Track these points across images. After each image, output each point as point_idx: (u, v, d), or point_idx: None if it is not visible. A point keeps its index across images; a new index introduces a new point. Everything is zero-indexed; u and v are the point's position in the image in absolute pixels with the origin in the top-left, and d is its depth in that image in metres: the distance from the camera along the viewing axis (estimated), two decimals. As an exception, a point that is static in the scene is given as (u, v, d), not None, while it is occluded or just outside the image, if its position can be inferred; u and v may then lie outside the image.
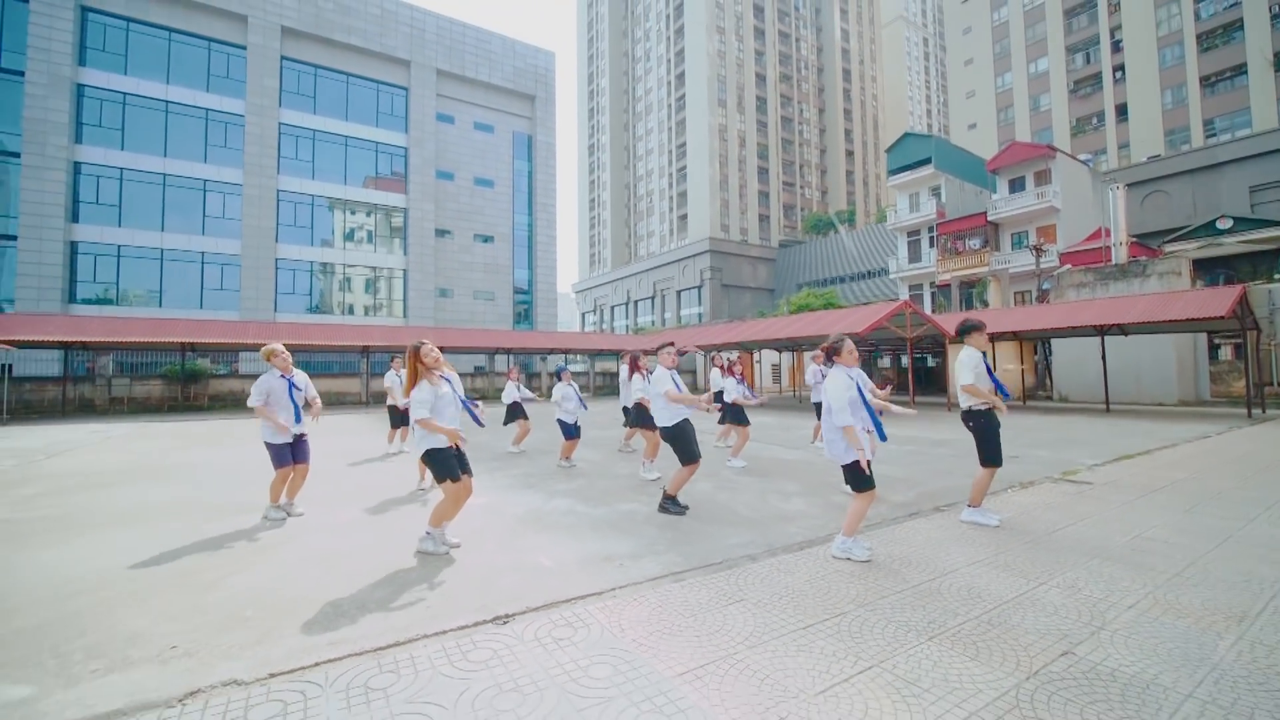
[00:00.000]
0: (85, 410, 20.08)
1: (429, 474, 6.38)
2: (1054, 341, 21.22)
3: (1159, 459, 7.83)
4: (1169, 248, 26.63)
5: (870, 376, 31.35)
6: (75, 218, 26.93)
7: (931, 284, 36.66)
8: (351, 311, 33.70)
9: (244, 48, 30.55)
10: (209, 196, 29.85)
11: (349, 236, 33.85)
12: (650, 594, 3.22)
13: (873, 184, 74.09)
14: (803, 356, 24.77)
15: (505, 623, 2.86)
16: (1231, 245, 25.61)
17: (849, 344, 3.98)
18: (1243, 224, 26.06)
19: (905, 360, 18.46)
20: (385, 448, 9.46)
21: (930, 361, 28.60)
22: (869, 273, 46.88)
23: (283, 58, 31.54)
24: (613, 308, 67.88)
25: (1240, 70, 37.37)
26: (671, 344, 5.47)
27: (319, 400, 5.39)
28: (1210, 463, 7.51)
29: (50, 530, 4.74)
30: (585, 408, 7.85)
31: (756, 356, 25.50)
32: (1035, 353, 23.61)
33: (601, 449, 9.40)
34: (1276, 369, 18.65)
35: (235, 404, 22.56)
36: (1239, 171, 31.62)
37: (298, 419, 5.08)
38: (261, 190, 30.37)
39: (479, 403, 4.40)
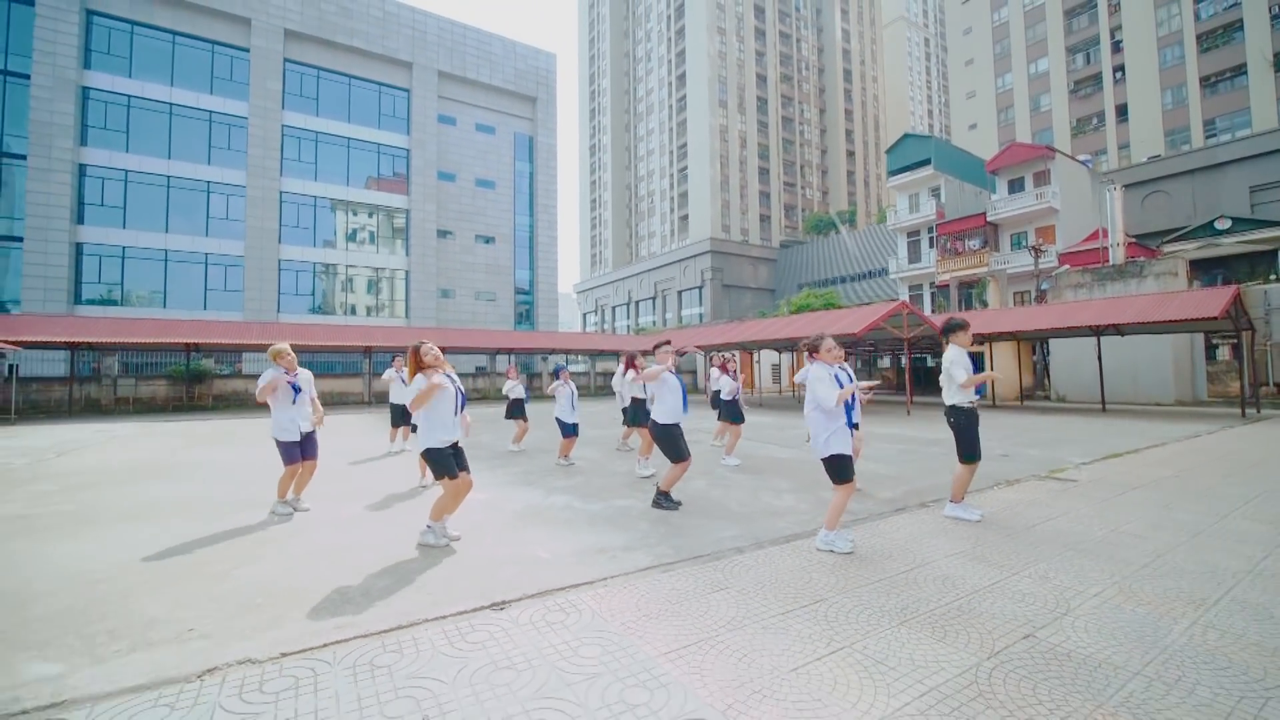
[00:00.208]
0: (91, 410, 20.30)
1: (430, 471, 6.56)
2: (1052, 342, 21.34)
3: (1147, 457, 7.98)
4: (1167, 248, 26.73)
5: (870, 377, 31.45)
6: (80, 219, 27.19)
7: (931, 284, 36.78)
8: (354, 312, 33.92)
9: (247, 50, 30.79)
10: (212, 198, 30.10)
11: (351, 237, 34.08)
12: (640, 583, 3.39)
13: (874, 184, 74.17)
14: (802, 356, 24.91)
15: (502, 609, 3.03)
16: (1230, 246, 25.70)
17: (829, 342, 4.15)
18: (1241, 224, 26.15)
19: (903, 361, 18.58)
20: (387, 446, 9.64)
21: (930, 362, 28.71)
22: (869, 273, 46.99)
23: (285, 60, 31.78)
24: (614, 308, 68.06)
25: (1240, 70, 37.42)
26: (668, 342, 5.64)
27: (320, 409, 5.53)
28: (1196, 461, 7.65)
29: (65, 525, 4.92)
30: (574, 408, 7.98)
31: (756, 357, 25.65)
32: (1034, 353, 23.73)
33: (600, 447, 9.57)
34: (1272, 369, 18.76)
35: (239, 404, 22.78)
36: (1239, 172, 31.69)
37: (301, 414, 5.26)
38: (264, 192, 30.61)
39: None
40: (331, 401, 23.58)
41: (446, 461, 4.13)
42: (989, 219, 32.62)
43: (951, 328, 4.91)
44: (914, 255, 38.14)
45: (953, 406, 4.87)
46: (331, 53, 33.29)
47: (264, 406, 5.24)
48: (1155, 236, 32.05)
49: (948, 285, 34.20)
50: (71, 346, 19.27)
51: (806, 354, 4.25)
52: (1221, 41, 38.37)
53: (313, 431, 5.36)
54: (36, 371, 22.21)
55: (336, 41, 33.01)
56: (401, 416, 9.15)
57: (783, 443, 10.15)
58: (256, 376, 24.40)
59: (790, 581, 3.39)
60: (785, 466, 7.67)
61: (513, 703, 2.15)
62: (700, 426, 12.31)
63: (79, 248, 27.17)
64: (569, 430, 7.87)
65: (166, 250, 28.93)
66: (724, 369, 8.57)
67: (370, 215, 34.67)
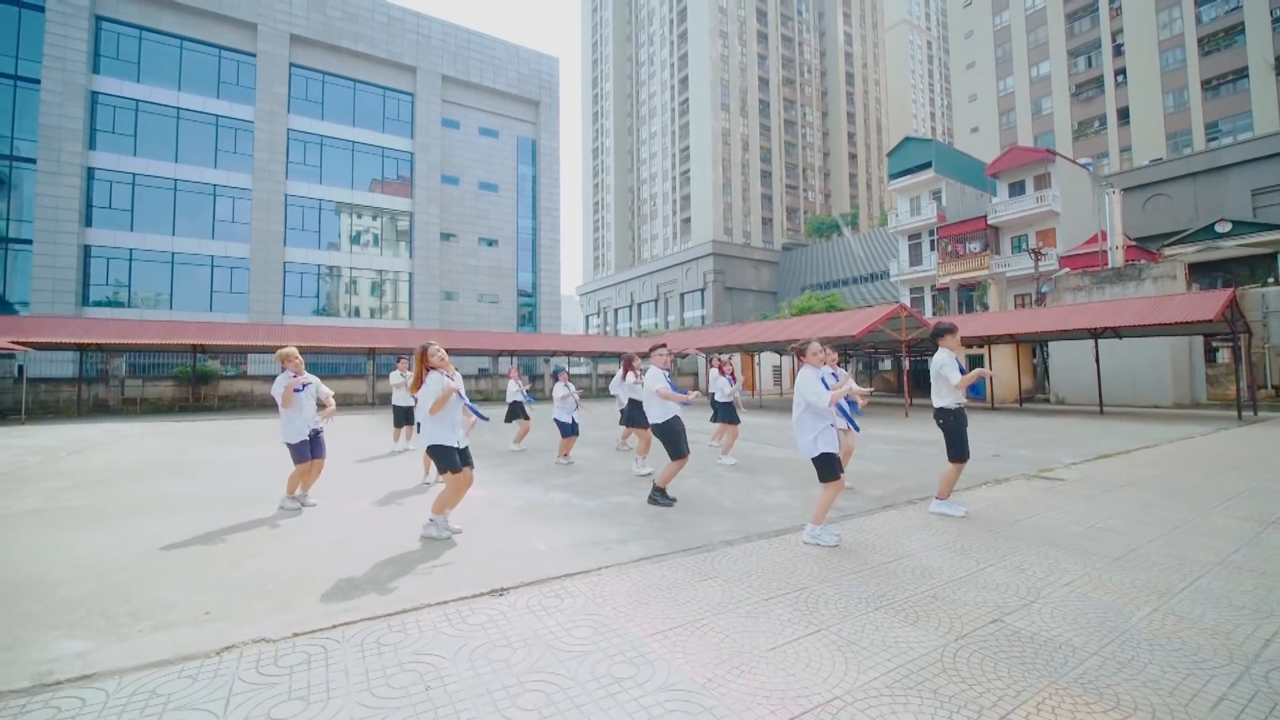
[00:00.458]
0: (99, 410, 20.57)
1: (433, 468, 6.74)
2: (1051, 345, 21.43)
3: (1136, 458, 8.11)
4: (1167, 251, 26.78)
5: (870, 380, 31.58)
6: (88, 222, 27.53)
7: (932, 287, 36.87)
8: (358, 314, 34.20)
9: (254, 55, 31.15)
10: (219, 201, 30.43)
11: (355, 240, 34.38)
12: (632, 572, 3.55)
13: (876, 187, 74.30)
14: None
15: (500, 595, 3.20)
16: (1230, 249, 25.74)
17: (814, 345, 4.32)
18: (1242, 227, 26.18)
19: (903, 363, 18.73)
20: (391, 445, 9.83)
21: (930, 365, 28.80)
22: (871, 275, 47.10)
23: (291, 65, 32.12)
24: (616, 310, 68.29)
25: (1242, 73, 37.46)
26: (664, 345, 5.82)
27: (332, 401, 5.75)
28: (1184, 461, 7.78)
29: (81, 518, 5.12)
30: (576, 406, 8.18)
31: (757, 359, 25.80)
32: (1033, 356, 23.83)
33: (599, 447, 9.75)
34: (1270, 372, 18.82)
35: (245, 405, 23.03)
36: (1241, 175, 31.72)
37: (309, 415, 5.46)
38: (270, 195, 30.92)
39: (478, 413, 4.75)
40: (336, 403, 23.79)
41: (450, 456, 4.31)
42: (990, 222, 32.72)
43: (940, 331, 5.07)
44: (915, 258, 38.25)
45: (941, 409, 5.02)
46: (337, 57, 33.63)
47: (270, 407, 5.44)
48: (1157, 239, 32.08)
49: (948, 288, 34.32)
50: (80, 348, 19.55)
51: (795, 356, 4.42)
52: (1223, 45, 38.43)
53: (320, 431, 5.55)
54: (45, 372, 22.48)
55: (342, 46, 33.36)
56: (404, 417, 9.34)
57: (780, 443, 10.30)
58: (262, 378, 24.68)
59: (775, 571, 3.55)
60: (780, 466, 7.82)
61: (509, 676, 2.32)
62: (698, 428, 12.48)
63: (87, 250, 27.51)
64: (568, 430, 8.04)
65: (173, 253, 29.25)
66: (721, 371, 8.73)
67: (374, 218, 34.97)
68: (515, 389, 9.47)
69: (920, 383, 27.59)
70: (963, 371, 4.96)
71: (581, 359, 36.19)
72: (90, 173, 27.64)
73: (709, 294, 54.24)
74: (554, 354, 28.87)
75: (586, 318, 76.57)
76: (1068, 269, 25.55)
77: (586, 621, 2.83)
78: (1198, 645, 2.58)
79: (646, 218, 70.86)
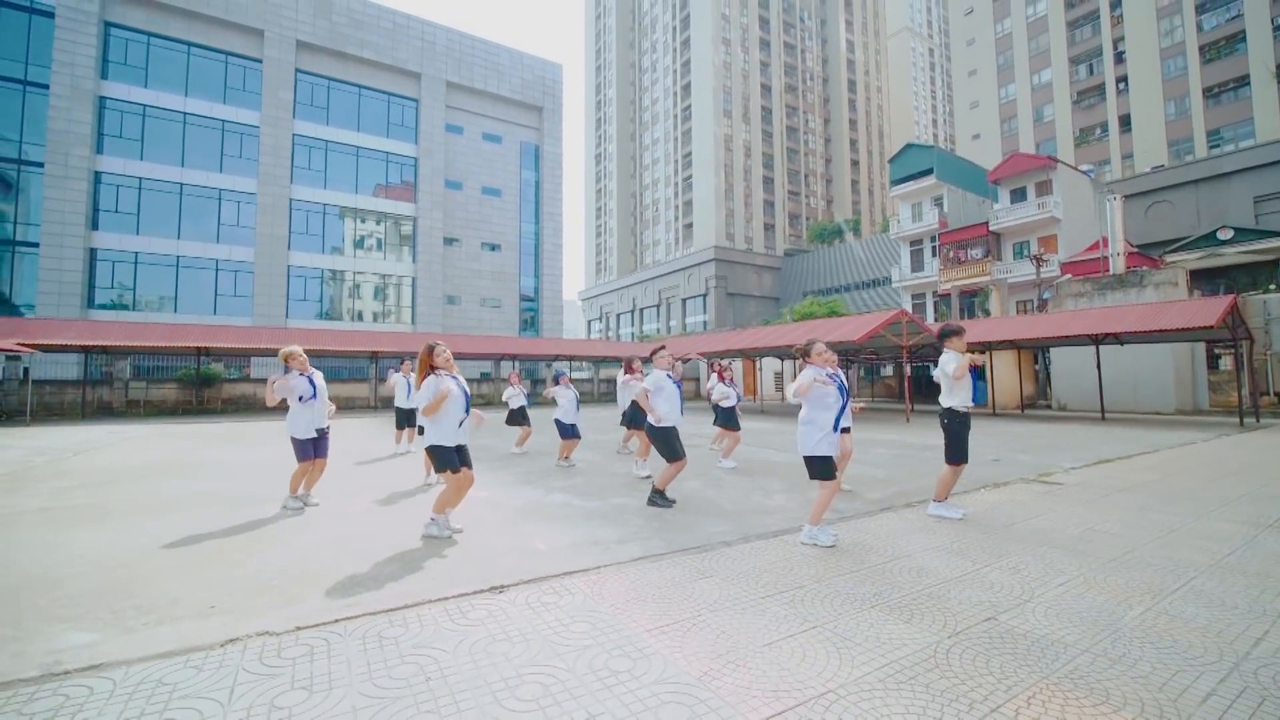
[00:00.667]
0: (103, 413, 20.68)
1: (433, 471, 6.79)
2: (1053, 351, 21.43)
3: (1136, 463, 8.12)
4: (1169, 258, 26.80)
5: (873, 385, 31.51)
6: (95, 226, 27.77)
7: (934, 293, 36.92)
8: (361, 318, 34.36)
9: (260, 61, 31.47)
10: (224, 205, 30.67)
11: (359, 244, 34.58)
12: (630, 571, 3.59)
13: (878, 193, 74.47)
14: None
15: (500, 592, 3.24)
16: (1232, 256, 25.75)
17: (819, 346, 4.38)
18: (1244, 234, 26.19)
19: (904, 369, 18.76)
20: (394, 448, 9.88)
21: (932, 371, 28.80)
22: (873, 282, 47.14)
23: (297, 71, 32.43)
24: (618, 315, 68.41)
25: (1243, 81, 37.55)
26: (663, 347, 5.87)
27: (331, 404, 5.80)
28: (1183, 466, 7.79)
29: (87, 517, 5.17)
30: (578, 408, 8.25)
31: (759, 364, 25.87)
32: (1035, 362, 23.81)
33: (600, 450, 9.78)
34: (1272, 378, 18.79)
35: (248, 407, 23.13)
36: (1243, 182, 31.73)
37: (317, 413, 5.52)
38: (275, 199, 31.16)
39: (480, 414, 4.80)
40: (338, 406, 23.85)
41: (449, 456, 4.36)
42: (991, 228, 32.78)
43: (947, 333, 5.11)
44: (917, 264, 38.30)
45: (948, 409, 5.04)
46: (342, 63, 33.94)
47: (274, 409, 5.50)
48: (1159, 246, 32.08)
49: (950, 294, 34.34)
50: (84, 350, 19.67)
51: (800, 356, 4.44)
52: (1224, 53, 38.54)
53: (326, 431, 5.60)
54: (50, 375, 22.64)
55: (347, 52, 33.69)
56: (406, 419, 9.40)
57: (780, 447, 10.32)
58: (264, 380, 24.79)
59: (773, 571, 3.59)
60: (780, 469, 7.85)
61: (508, 669, 2.36)
62: (699, 432, 12.52)
63: (93, 253, 27.73)
64: (567, 432, 8.09)
65: (178, 256, 29.47)
66: (720, 376, 8.77)
67: (378, 222, 35.19)
68: (515, 393, 9.52)
69: (922, 388, 27.60)
70: (972, 375, 5.01)
71: (583, 364, 36.27)
72: (97, 177, 27.90)
73: (711, 299, 54.32)
74: (556, 358, 28.96)
75: (588, 323, 76.70)
76: (1069, 275, 25.56)
77: (585, 617, 2.87)
78: (1189, 643, 2.60)
79: (649, 223, 71.10)
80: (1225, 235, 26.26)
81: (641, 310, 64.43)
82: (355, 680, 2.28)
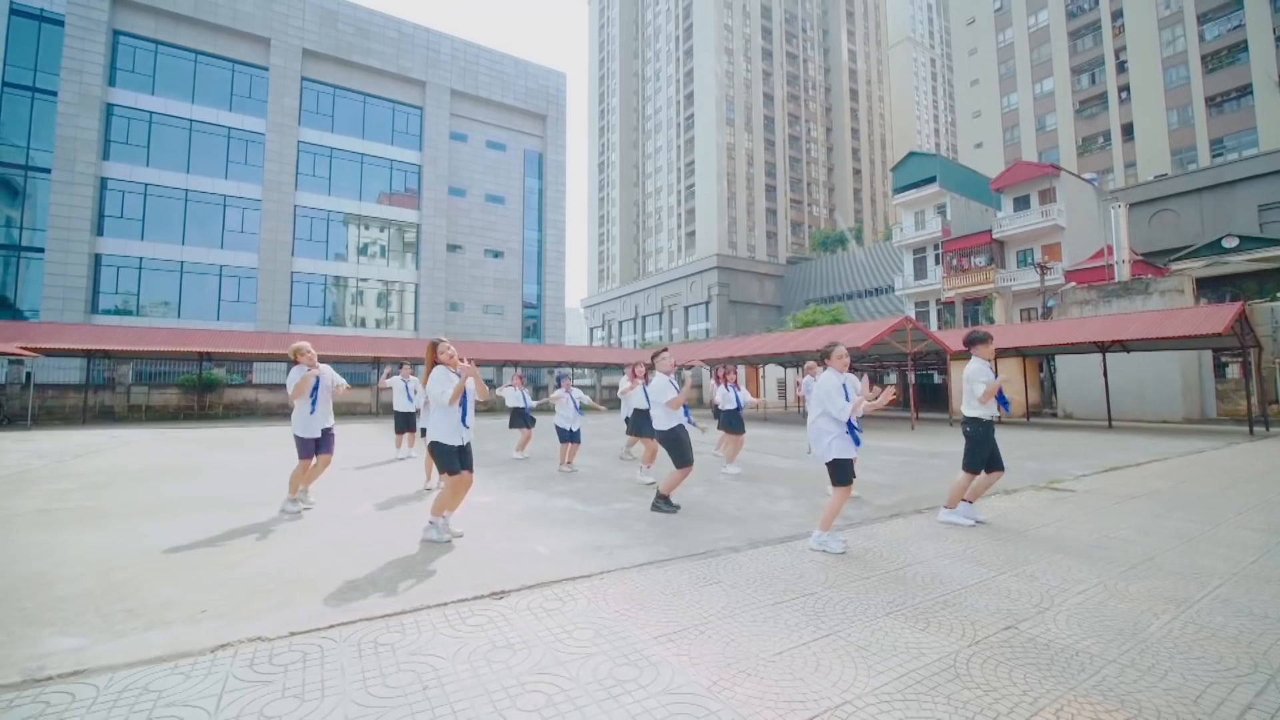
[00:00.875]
0: (105, 417, 20.64)
1: (435, 474, 6.70)
2: (1058, 359, 21.29)
3: (1146, 471, 7.99)
4: (1174, 266, 26.68)
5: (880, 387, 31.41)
6: (100, 231, 27.85)
7: (937, 301, 36.81)
8: (364, 325, 34.35)
9: (266, 69, 31.68)
10: (228, 211, 30.76)
11: (363, 251, 34.64)
12: (635, 577, 3.49)
13: (880, 202, 74.58)
14: (811, 369, 24.93)
15: (501, 597, 3.14)
16: (1238, 264, 25.62)
17: (840, 349, 4.29)
18: (1249, 243, 26.09)
19: (908, 376, 18.64)
20: (394, 452, 9.78)
21: (936, 378, 28.66)
22: (876, 290, 47.10)
23: (303, 78, 32.64)
24: (620, 323, 68.43)
25: (1246, 90, 37.57)
26: (665, 350, 5.80)
27: (343, 382, 5.78)
28: (1195, 474, 7.66)
29: (84, 519, 5.09)
30: (580, 413, 8.17)
31: (761, 371, 25.75)
32: (1040, 370, 23.66)
33: (603, 456, 9.68)
34: (1281, 387, 18.60)
35: (250, 413, 23.08)
36: (1247, 190, 31.70)
37: (321, 412, 5.48)
38: (279, 205, 31.25)
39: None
40: (340, 411, 23.79)
41: (450, 456, 4.28)
42: (995, 236, 32.73)
43: (974, 340, 5.00)
44: (920, 272, 38.24)
45: (972, 418, 4.90)
46: (347, 71, 34.17)
47: (275, 415, 5.44)
48: (1163, 255, 31.98)
49: (954, 302, 34.24)
50: (87, 354, 19.65)
51: (819, 360, 4.38)
52: (1226, 62, 38.59)
53: (330, 428, 5.55)
54: (53, 379, 22.63)
55: (353, 61, 33.90)
56: (406, 423, 9.32)
57: (784, 454, 10.21)
58: (267, 386, 24.76)
59: (782, 577, 3.48)
60: (785, 475, 7.74)
61: (509, 677, 2.26)
62: (702, 439, 12.39)
63: (98, 259, 27.79)
64: (565, 436, 8.00)
65: (182, 262, 29.53)
66: (723, 380, 8.67)
67: (382, 229, 35.26)
68: (517, 395, 9.43)
69: (926, 395, 27.43)
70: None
71: (585, 370, 36.17)
72: (103, 183, 28.02)
73: (713, 307, 54.30)
74: (558, 365, 28.88)
75: (591, 330, 76.72)
76: (1074, 283, 25.46)
77: (588, 624, 2.77)
78: (1220, 654, 2.49)
79: (651, 231, 71.24)
80: (1230, 243, 26.15)
81: (644, 318, 64.43)
82: (349, 688, 2.18)
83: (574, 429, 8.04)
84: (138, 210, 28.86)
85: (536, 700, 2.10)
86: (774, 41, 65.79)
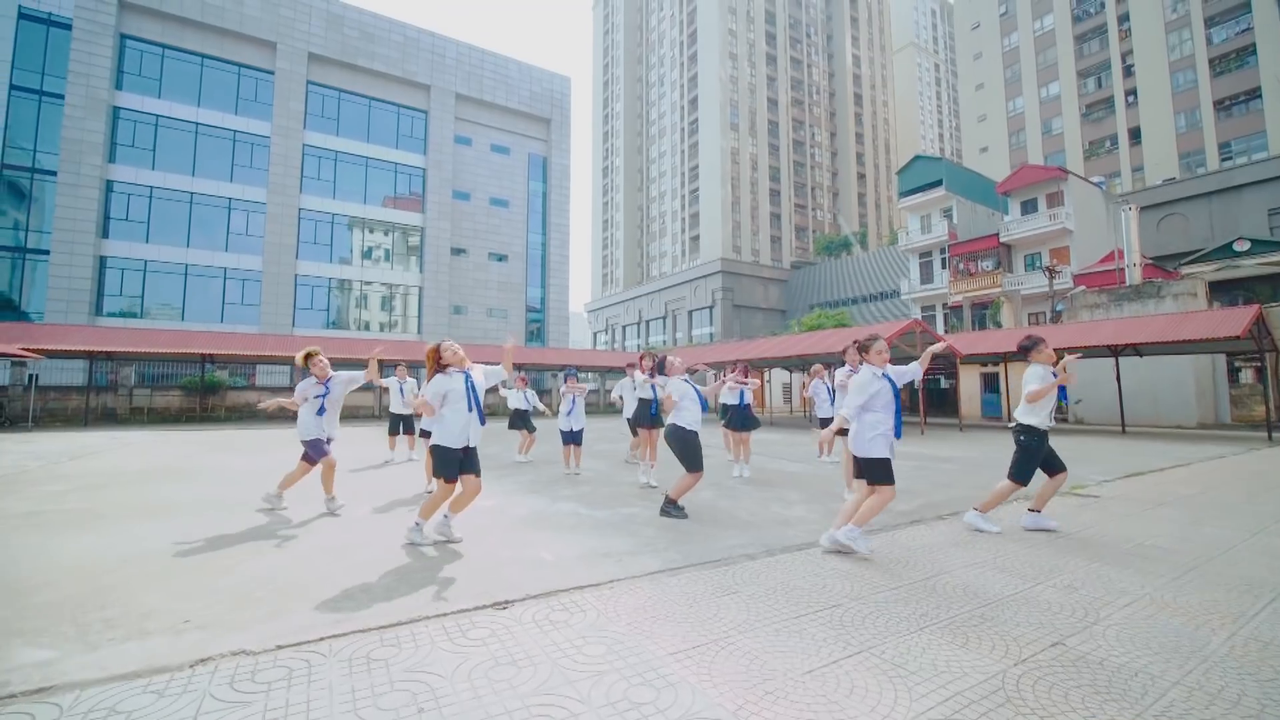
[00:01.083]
0: (107, 419, 20.54)
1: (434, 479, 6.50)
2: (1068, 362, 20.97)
3: (1169, 476, 7.73)
4: (1185, 270, 26.37)
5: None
6: (105, 234, 27.86)
7: (944, 305, 36.52)
8: (367, 328, 34.26)
9: (272, 73, 31.74)
10: (233, 214, 30.75)
11: (367, 254, 34.59)
12: (646, 586, 3.28)
13: (884, 206, 74.35)
14: (812, 374, 24.70)
15: (504, 608, 2.93)
16: (1250, 267, 25.29)
17: (880, 343, 4.10)
18: (1261, 246, 25.76)
19: (916, 381, 18.43)
20: (388, 454, 9.55)
21: (943, 383, 28.36)
22: (881, 294, 46.79)
23: (308, 82, 32.69)
24: (624, 327, 68.23)
25: (1255, 94, 37.29)
26: (666, 357, 5.65)
27: (359, 376, 5.49)
28: (1221, 480, 7.40)
29: (74, 522, 4.91)
30: (573, 415, 7.98)
31: (767, 375, 25.52)
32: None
33: (607, 459, 9.48)
34: (1298, 392, 18.25)
35: (252, 415, 22.96)
36: (1257, 194, 31.38)
37: (327, 423, 5.32)
38: (284, 209, 31.24)
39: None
40: (342, 415, 23.68)
41: (450, 462, 4.07)
42: (1002, 240, 32.45)
43: (1029, 346, 4.72)
44: (926, 276, 37.96)
45: (1028, 426, 4.62)
46: (353, 75, 34.22)
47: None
48: (1172, 259, 31.66)
49: (961, 306, 33.96)
50: (88, 355, 19.57)
51: (859, 351, 4.21)
52: (1235, 65, 38.34)
53: (332, 438, 5.43)
54: (56, 381, 22.56)
55: (358, 65, 33.96)
56: (401, 424, 9.13)
57: (794, 458, 9.99)
58: (270, 389, 24.66)
59: (803, 587, 3.27)
60: (796, 479, 7.52)
61: (513, 699, 2.06)
62: (709, 441, 12.16)
63: (102, 261, 27.79)
64: (567, 438, 7.81)
65: (186, 264, 29.51)
66: (741, 373, 8.45)
67: (386, 233, 35.22)
68: (519, 397, 9.24)
69: (934, 400, 27.15)
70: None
71: (589, 374, 35.99)
72: (109, 185, 28.05)
73: (717, 311, 54.07)
74: (562, 368, 28.71)
75: (594, 334, 76.56)
76: (1083, 287, 25.18)
77: (599, 638, 2.56)
78: (1293, 675, 2.27)
79: (655, 235, 71.16)
80: (1242, 247, 25.83)
81: (648, 322, 64.24)
82: (337, 710, 1.98)
83: (571, 429, 7.84)
84: (143, 213, 28.87)
85: (544, 725, 1.89)
86: (778, 46, 65.80)
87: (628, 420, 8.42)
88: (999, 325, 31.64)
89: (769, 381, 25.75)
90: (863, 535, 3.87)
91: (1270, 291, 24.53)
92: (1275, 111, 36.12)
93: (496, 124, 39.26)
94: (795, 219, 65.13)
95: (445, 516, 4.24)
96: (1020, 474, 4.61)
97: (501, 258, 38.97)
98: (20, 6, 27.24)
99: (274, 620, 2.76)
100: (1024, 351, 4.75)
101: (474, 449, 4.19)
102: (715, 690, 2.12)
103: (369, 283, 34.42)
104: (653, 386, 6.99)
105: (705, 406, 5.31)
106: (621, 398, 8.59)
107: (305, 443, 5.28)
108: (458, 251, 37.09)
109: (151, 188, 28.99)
